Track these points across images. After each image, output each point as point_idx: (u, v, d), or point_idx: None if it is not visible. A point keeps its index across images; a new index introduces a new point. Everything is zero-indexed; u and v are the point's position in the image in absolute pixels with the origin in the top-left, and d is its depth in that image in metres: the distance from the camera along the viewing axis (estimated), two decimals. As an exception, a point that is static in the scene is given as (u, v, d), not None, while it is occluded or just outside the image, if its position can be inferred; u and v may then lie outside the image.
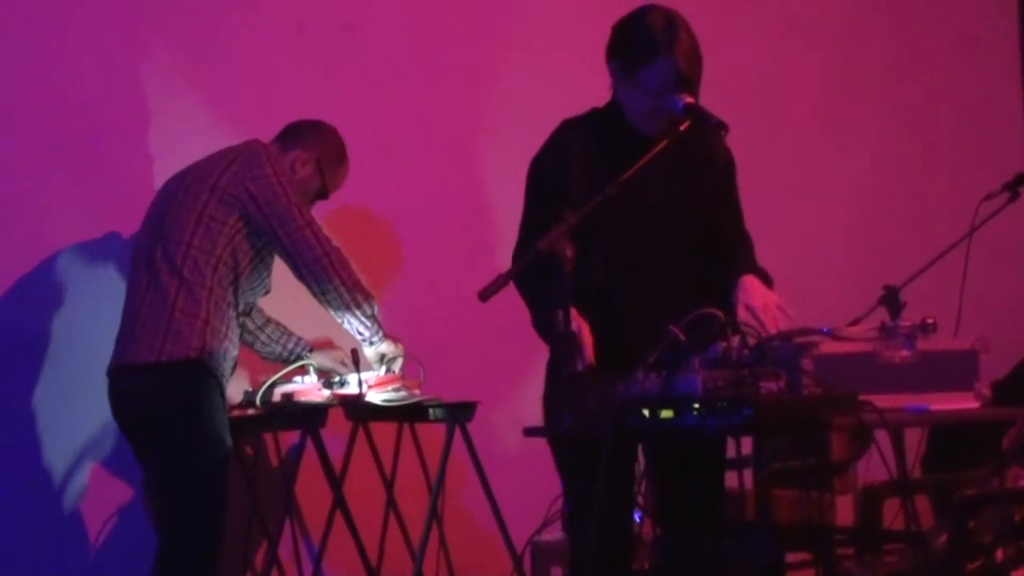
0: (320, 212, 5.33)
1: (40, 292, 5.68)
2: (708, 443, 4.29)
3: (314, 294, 5.05)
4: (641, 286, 4.27)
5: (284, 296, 5.30)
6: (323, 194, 5.27)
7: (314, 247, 4.98)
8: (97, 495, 5.70)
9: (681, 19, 4.22)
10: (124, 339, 4.98)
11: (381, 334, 5.20)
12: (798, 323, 4.21)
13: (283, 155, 5.17)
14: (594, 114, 4.38)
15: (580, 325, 4.09)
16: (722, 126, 4.19)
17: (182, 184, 5.06)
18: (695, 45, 4.20)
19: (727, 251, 4.35)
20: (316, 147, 5.25)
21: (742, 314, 4.14)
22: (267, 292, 5.17)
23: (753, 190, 5.52)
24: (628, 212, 4.21)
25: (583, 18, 6.31)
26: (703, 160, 4.34)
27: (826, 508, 5.22)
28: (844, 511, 5.55)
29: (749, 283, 4.25)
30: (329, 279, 5.00)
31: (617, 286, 4.25)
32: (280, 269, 5.12)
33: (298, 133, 5.27)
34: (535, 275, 4.00)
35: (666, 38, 4.17)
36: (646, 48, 4.18)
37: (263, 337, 5.41)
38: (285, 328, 5.46)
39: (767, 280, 4.32)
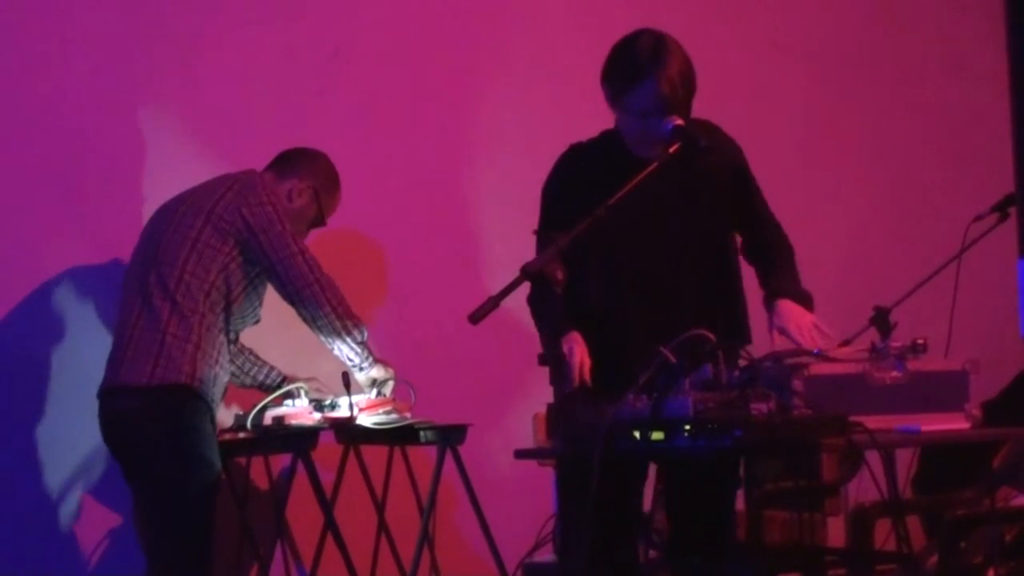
0: (312, 234, 5.34)
1: (35, 315, 5.69)
2: (722, 462, 4.28)
3: (305, 320, 5.07)
4: (644, 307, 4.28)
5: (274, 321, 5.31)
6: (319, 222, 5.30)
7: (306, 275, 5.00)
8: (89, 519, 5.70)
9: (672, 42, 4.22)
10: (115, 361, 4.98)
11: (371, 360, 5.22)
12: (836, 340, 4.23)
13: (279, 184, 5.18)
14: (601, 137, 4.39)
15: (571, 347, 4.10)
16: (710, 148, 4.20)
17: (177, 210, 5.06)
18: (684, 68, 4.20)
19: (764, 257, 4.42)
20: (312, 176, 5.27)
21: (777, 340, 4.20)
22: (256, 322, 5.18)
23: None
24: (630, 234, 4.22)
25: (570, 42, 6.33)
26: (706, 178, 4.34)
27: (817, 529, 5.23)
28: (835, 532, 5.55)
29: (784, 307, 4.30)
30: (320, 307, 5.02)
31: (619, 307, 4.26)
32: (270, 295, 5.13)
33: (293, 162, 5.29)
34: (540, 297, 4.02)
35: (652, 62, 4.18)
36: (632, 72, 4.20)
37: (235, 365, 5.35)
38: (258, 356, 5.44)
39: (804, 299, 4.34)
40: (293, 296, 5.03)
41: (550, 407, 4.36)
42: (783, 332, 4.22)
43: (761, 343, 4.29)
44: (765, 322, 4.34)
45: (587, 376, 4.10)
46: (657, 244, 4.30)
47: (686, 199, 4.32)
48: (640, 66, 4.18)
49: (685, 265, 4.32)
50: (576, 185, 4.30)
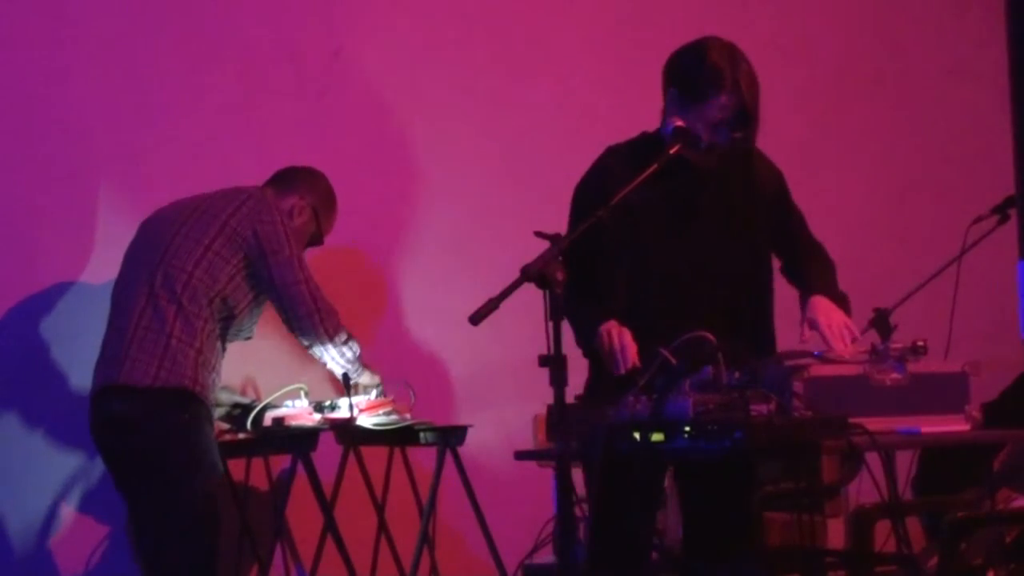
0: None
1: (37, 317, 5.69)
2: (739, 464, 4.28)
3: (299, 340, 5.14)
4: (668, 311, 4.27)
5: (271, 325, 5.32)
6: (317, 240, 5.33)
7: (307, 302, 5.04)
8: (84, 524, 5.70)
9: (741, 53, 4.29)
10: (114, 359, 4.92)
11: (361, 371, 5.26)
12: (863, 344, 4.24)
13: (280, 200, 5.18)
14: (639, 140, 4.40)
15: (622, 331, 4.11)
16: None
17: (190, 214, 5.05)
18: (756, 78, 4.27)
19: (803, 269, 4.46)
20: (312, 194, 5.29)
21: (806, 331, 4.24)
22: (249, 338, 5.17)
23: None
24: (664, 237, 4.23)
25: (574, 44, 6.33)
26: (747, 192, 4.38)
27: (817, 531, 5.22)
28: (835, 534, 5.55)
29: (818, 301, 4.34)
30: (317, 335, 5.10)
31: (645, 309, 4.25)
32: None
33: (293, 179, 5.30)
34: (574, 295, 4.02)
35: (731, 74, 4.23)
36: (712, 82, 4.23)
37: None
38: None
39: (840, 300, 4.37)
40: (292, 320, 5.09)
41: (551, 408, 4.35)
42: (813, 324, 4.26)
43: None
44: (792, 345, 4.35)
45: (635, 358, 4.10)
46: (689, 249, 4.31)
47: (725, 209, 4.35)
48: (723, 77, 4.23)
49: (715, 274, 4.33)
50: (612, 187, 4.27)
